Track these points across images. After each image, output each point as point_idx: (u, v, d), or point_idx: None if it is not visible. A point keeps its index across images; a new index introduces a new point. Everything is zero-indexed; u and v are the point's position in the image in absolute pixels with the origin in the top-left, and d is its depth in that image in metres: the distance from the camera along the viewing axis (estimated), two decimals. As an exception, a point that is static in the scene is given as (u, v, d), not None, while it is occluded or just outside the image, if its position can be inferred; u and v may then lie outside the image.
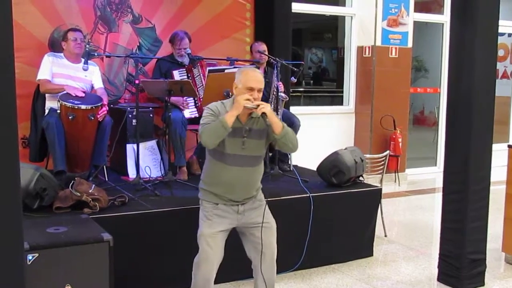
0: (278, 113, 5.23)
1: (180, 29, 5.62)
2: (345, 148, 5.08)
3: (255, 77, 3.27)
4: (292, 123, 5.56)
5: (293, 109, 6.60)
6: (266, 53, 5.75)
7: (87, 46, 5.20)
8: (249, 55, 6.19)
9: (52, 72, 4.84)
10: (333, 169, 4.86)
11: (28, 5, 5.31)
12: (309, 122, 6.81)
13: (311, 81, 11.37)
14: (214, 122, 3.18)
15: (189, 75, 5.35)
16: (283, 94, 5.42)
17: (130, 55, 5.04)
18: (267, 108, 3.19)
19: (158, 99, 5.41)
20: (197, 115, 5.29)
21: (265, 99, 5.67)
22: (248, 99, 3.18)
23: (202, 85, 5.30)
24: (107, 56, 5.54)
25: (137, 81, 4.70)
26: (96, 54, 5.10)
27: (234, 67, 4.93)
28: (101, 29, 5.74)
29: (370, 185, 5.06)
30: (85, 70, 4.80)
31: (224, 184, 3.31)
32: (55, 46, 5.34)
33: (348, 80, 8.08)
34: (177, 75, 5.33)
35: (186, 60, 5.45)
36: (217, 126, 3.16)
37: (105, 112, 4.77)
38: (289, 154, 5.72)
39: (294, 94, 8.68)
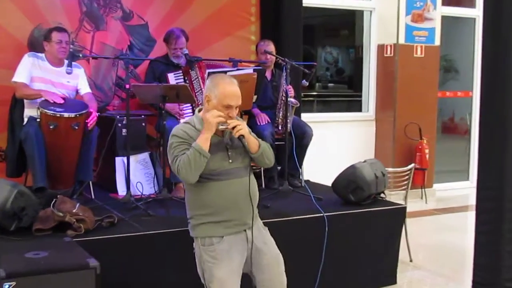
0: (288, 120, 5.25)
1: (176, 27, 5.65)
2: (364, 161, 5.07)
3: (234, 92, 3.23)
4: (303, 132, 5.58)
5: (305, 116, 6.60)
6: (274, 53, 5.76)
7: (71, 46, 5.23)
8: (254, 55, 6.21)
9: (31, 76, 4.86)
10: (350, 185, 4.85)
11: (5, 1, 5.35)
12: (323, 131, 6.82)
13: (325, 84, 11.37)
14: (188, 153, 3.15)
15: (186, 78, 5.38)
16: (293, 100, 5.42)
17: (120, 56, 5.06)
18: (244, 129, 3.24)
19: (152, 106, 5.43)
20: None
21: (273, 105, 5.71)
22: (221, 117, 3.19)
23: (201, 89, 5.30)
24: (93, 58, 5.56)
25: (127, 86, 4.71)
26: (81, 55, 5.10)
27: (238, 69, 4.95)
28: (87, 27, 5.77)
29: (393, 203, 5.04)
30: (69, 73, 4.81)
31: (224, 205, 3.24)
32: (35, 46, 5.37)
33: (367, 83, 8.09)
34: (173, 78, 5.35)
35: (182, 62, 5.47)
36: (194, 156, 3.14)
37: (95, 119, 4.79)
38: (301, 168, 5.73)
39: (305, 99, 8.66)
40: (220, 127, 3.20)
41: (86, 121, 4.71)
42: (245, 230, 3.29)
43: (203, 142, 3.16)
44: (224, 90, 3.21)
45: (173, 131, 3.31)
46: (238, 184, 3.27)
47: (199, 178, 3.21)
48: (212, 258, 3.23)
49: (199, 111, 3.36)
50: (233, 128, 3.22)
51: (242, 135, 3.23)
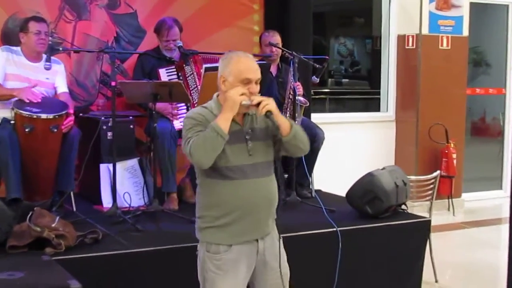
0: (296, 122, 5.22)
1: (169, 16, 5.66)
2: (383, 168, 5.09)
3: (250, 64, 3.20)
4: (313, 135, 5.58)
5: (315, 117, 6.62)
6: (280, 45, 5.77)
7: (50, 38, 5.25)
8: (258, 48, 6.22)
9: (4, 73, 4.87)
10: (367, 195, 4.87)
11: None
12: (336, 133, 6.82)
13: (339, 80, 11.39)
14: (204, 133, 3.11)
15: (179, 74, 5.39)
16: (301, 98, 5.43)
17: (105, 50, 5.07)
18: (271, 104, 3.15)
19: (141, 105, 5.44)
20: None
21: (279, 104, 5.70)
22: (244, 94, 3.14)
23: (197, 87, 5.33)
24: (75, 51, 5.56)
25: (113, 83, 4.72)
26: (61, 48, 5.11)
27: None
28: (68, 17, 5.79)
29: (415, 216, 5.05)
30: (48, 69, 4.82)
31: (238, 209, 3.19)
32: (9, 38, 5.39)
33: (386, 79, 8.08)
34: (165, 74, 5.37)
35: (176, 55, 5.48)
36: (210, 136, 3.08)
37: (71, 122, 4.79)
38: (311, 177, 5.74)
39: (316, 97, 8.69)
40: (244, 103, 3.13)
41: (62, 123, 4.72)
42: (257, 240, 3.25)
43: (223, 121, 3.10)
44: (239, 63, 3.18)
45: (188, 114, 3.29)
46: (256, 185, 3.22)
47: (211, 173, 3.19)
48: (216, 268, 3.19)
49: (217, 96, 3.30)
50: (257, 105, 3.14)
51: (270, 111, 3.14)
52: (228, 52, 3.33)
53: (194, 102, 5.22)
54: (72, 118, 4.81)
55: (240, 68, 3.16)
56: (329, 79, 10.88)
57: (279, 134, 3.23)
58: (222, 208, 3.20)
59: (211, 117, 3.18)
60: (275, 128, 3.23)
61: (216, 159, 3.13)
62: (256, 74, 3.19)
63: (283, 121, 3.22)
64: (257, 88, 3.19)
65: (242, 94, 3.12)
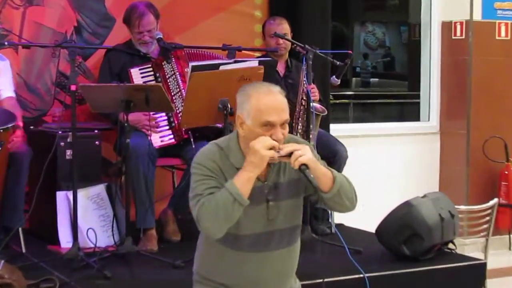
0: (311, 135, 5.26)
1: (141, 0, 5.60)
2: (424, 196, 5.09)
3: (273, 102, 3.19)
4: (333, 153, 5.61)
5: (336, 129, 6.63)
6: (289, 36, 5.79)
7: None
8: (260, 39, 6.26)
9: None
10: (403, 231, 4.88)
11: None
12: (362, 150, 6.85)
13: (366, 80, 11.40)
14: (217, 195, 3.12)
15: (157, 75, 5.41)
16: (317, 105, 5.46)
17: (63, 44, 5.06)
18: (307, 155, 3.13)
19: (109, 116, 5.45)
20: (173, 141, 5.35)
21: (290, 112, 5.70)
22: (274, 147, 3.11)
23: (180, 91, 5.36)
24: (24, 46, 5.51)
25: (73, 87, 4.72)
26: (6, 43, 5.13)
27: (236, 62, 4.95)
28: (15, 1, 5.79)
29: (467, 257, 5.07)
30: (-12, 68, 4.85)
31: (240, 284, 3.30)
32: None
33: (427, 78, 8.07)
34: (138, 75, 5.39)
35: (154, 51, 5.53)
36: (224, 202, 3.09)
37: (19, 138, 4.79)
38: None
39: (336, 102, 8.69)
40: (274, 158, 3.13)
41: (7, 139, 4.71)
42: None
43: (243, 183, 3.11)
44: (259, 102, 3.18)
45: (197, 156, 3.28)
46: (271, 260, 3.30)
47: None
48: None
49: (237, 135, 3.30)
50: (289, 156, 3.13)
51: (305, 165, 3.13)
52: (248, 84, 3.34)
53: (178, 111, 5.25)
54: (20, 132, 4.82)
55: (260, 107, 3.17)
56: (353, 79, 10.88)
57: (319, 191, 3.21)
58: (220, 277, 3.30)
59: (228, 166, 3.21)
60: (310, 186, 3.21)
61: None
62: (282, 115, 3.19)
63: (322, 174, 3.21)
64: (283, 132, 3.19)
65: (271, 148, 3.11)
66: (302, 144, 3.22)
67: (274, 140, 3.13)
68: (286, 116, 3.20)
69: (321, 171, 3.20)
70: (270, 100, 3.18)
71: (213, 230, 3.15)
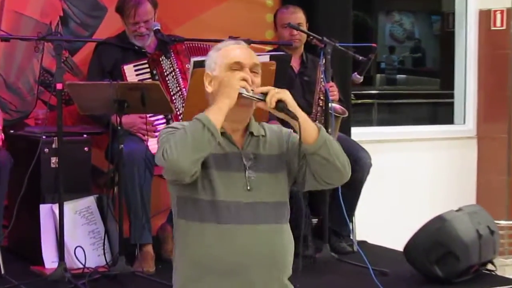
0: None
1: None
2: (459, 209, 5.10)
3: (242, 48, 3.39)
4: (355, 160, 5.54)
5: (358, 133, 6.67)
6: (304, 27, 5.81)
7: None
8: (272, 31, 6.28)
9: None
10: (436, 249, 4.89)
11: None
12: (387, 157, 6.88)
13: (392, 77, 11.39)
14: (186, 126, 3.23)
15: (154, 72, 5.43)
16: (337, 105, 5.49)
17: (47, 37, 5.09)
18: (284, 92, 3.22)
19: (100, 119, 5.47)
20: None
21: (306, 112, 5.71)
22: (246, 79, 3.23)
23: (180, 90, 5.40)
24: (3, 39, 5.49)
25: (59, 85, 4.75)
26: (-17, 35, 5.16)
27: None
28: (-8, -13, 5.84)
29: (508, 280, 5.05)
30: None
31: (224, 267, 3.25)
32: None
33: (462, 75, 8.08)
34: (132, 72, 5.40)
35: (151, 45, 5.55)
36: (194, 129, 3.16)
37: (0, 142, 4.83)
38: (352, 222, 5.76)
39: (358, 102, 8.68)
40: (244, 94, 3.21)
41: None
42: None
43: (214, 112, 3.20)
44: (226, 49, 3.37)
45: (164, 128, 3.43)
46: (256, 234, 3.28)
47: (187, 210, 3.27)
48: None
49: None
50: (264, 100, 3.22)
51: (281, 100, 3.21)
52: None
53: (178, 113, 5.28)
54: (1, 136, 4.84)
55: (228, 52, 3.34)
56: (378, 76, 10.87)
57: (303, 143, 3.25)
58: (200, 268, 3.27)
59: None
60: (294, 160, 3.28)
61: (199, 189, 3.22)
62: (249, 59, 3.33)
63: (304, 119, 3.26)
64: (256, 79, 3.30)
65: (243, 80, 3.23)
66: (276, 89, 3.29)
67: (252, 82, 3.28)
68: (256, 60, 3.36)
69: (301, 114, 3.25)
70: (238, 47, 3.38)
71: (181, 158, 3.12)
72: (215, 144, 3.17)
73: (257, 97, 3.22)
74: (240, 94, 3.20)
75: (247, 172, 3.30)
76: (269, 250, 3.30)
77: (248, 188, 3.29)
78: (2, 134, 4.88)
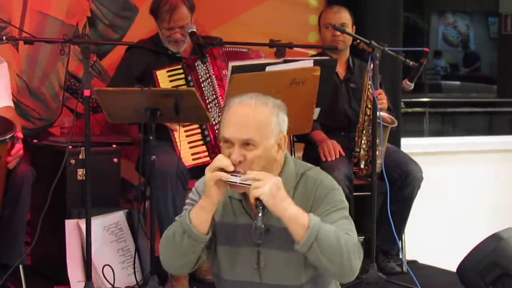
0: (378, 152, 5.26)
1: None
2: (516, 227, 5.05)
3: (238, 114, 3.22)
4: (405, 173, 5.59)
5: (408, 144, 6.63)
6: (349, 28, 5.77)
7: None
8: (316, 33, 6.23)
9: None
10: (492, 269, 4.83)
11: None
12: (440, 170, 6.83)
13: (446, 83, 11.35)
14: (175, 224, 3.30)
15: (189, 78, 5.39)
16: (385, 114, 5.46)
17: (73, 39, 5.05)
18: (264, 188, 3.05)
19: (129, 128, 5.43)
20: (208, 159, 5.27)
21: (350, 124, 5.74)
22: (223, 168, 3.11)
23: (217, 98, 5.33)
24: (26, 42, 5.52)
25: (87, 91, 4.72)
26: (4, 38, 5.09)
27: (285, 61, 4.95)
28: (13, -14, 5.83)
29: None
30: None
31: None
32: None
33: (523, 82, 8.06)
34: (165, 77, 5.36)
35: (186, 48, 5.50)
36: (176, 232, 3.22)
37: (20, 152, 4.76)
38: (401, 240, 5.72)
39: (409, 111, 8.66)
40: (229, 181, 3.12)
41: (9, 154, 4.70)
42: None
43: (196, 213, 3.20)
44: (228, 113, 3.26)
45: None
46: None
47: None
48: None
49: None
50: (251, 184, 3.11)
51: (258, 199, 3.07)
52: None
53: (214, 123, 5.23)
54: (20, 146, 4.78)
55: (225, 119, 3.25)
56: (429, 83, 10.83)
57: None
58: None
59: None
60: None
61: (210, 260, 3.32)
62: (241, 132, 3.18)
63: (289, 216, 3.10)
64: (245, 154, 3.16)
65: (220, 169, 3.12)
66: (269, 175, 3.12)
67: (234, 163, 3.16)
68: (247, 134, 3.17)
69: (285, 213, 3.09)
70: (235, 112, 3.25)
71: (165, 263, 3.31)
72: (201, 246, 3.21)
73: (244, 183, 3.10)
74: (225, 182, 3.13)
75: (259, 249, 3.24)
76: None
77: (258, 266, 3.25)
78: (22, 144, 4.79)
